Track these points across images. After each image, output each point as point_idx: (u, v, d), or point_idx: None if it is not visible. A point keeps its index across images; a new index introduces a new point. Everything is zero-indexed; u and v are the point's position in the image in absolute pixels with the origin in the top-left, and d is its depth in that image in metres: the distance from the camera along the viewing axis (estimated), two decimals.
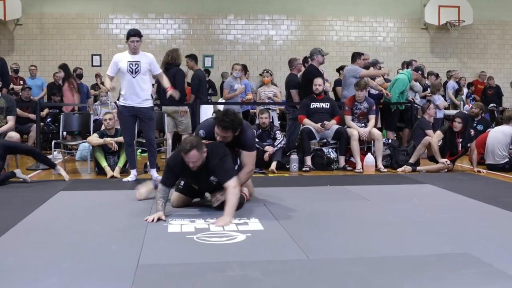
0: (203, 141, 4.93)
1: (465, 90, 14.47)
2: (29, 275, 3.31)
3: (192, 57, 10.22)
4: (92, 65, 14.58)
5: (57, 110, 11.83)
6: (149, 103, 7.17)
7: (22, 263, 3.57)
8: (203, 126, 5.41)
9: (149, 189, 5.75)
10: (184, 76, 9.60)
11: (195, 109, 9.25)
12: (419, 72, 10.77)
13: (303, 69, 10.09)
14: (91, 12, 14.83)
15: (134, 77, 7.02)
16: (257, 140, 8.42)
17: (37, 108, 9.32)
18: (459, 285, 3.19)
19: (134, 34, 7.04)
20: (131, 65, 7.01)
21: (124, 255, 3.72)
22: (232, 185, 4.81)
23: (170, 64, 9.07)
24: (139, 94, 7.07)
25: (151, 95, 7.33)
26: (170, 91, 7.27)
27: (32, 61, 13.94)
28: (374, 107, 8.88)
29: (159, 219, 4.72)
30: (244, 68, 11.64)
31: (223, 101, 10.58)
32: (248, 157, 5.23)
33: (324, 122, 8.48)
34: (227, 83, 10.54)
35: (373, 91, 10.02)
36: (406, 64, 11.39)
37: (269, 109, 9.12)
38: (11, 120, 7.89)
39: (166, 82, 7.38)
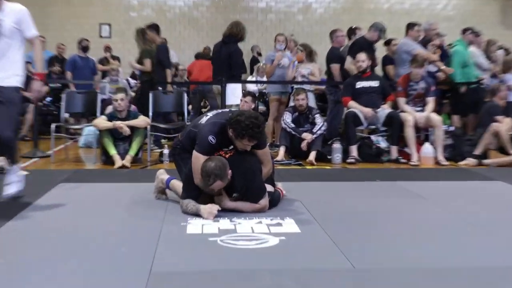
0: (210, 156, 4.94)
1: None
2: (21, 281, 3.31)
3: (153, 28, 9.72)
4: (101, 36, 14.72)
5: (60, 86, 11.81)
6: (13, 81, 5.45)
7: (13, 266, 3.57)
8: (211, 131, 5.10)
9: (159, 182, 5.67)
10: (241, 56, 9.53)
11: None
12: (469, 32, 10.33)
13: (346, 41, 10.04)
14: None
15: None
16: (293, 125, 8.40)
17: None
18: None
19: None
20: None
21: (135, 260, 3.72)
22: (263, 204, 5.07)
23: (230, 38, 9.00)
24: (1, 65, 5.43)
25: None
26: (36, 82, 5.61)
27: None
28: (433, 88, 8.76)
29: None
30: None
31: (253, 79, 10.48)
32: (265, 156, 5.30)
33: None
34: (268, 57, 10.32)
35: (431, 68, 9.81)
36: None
37: (304, 89, 9.06)
38: None
39: (38, 61, 5.78)
